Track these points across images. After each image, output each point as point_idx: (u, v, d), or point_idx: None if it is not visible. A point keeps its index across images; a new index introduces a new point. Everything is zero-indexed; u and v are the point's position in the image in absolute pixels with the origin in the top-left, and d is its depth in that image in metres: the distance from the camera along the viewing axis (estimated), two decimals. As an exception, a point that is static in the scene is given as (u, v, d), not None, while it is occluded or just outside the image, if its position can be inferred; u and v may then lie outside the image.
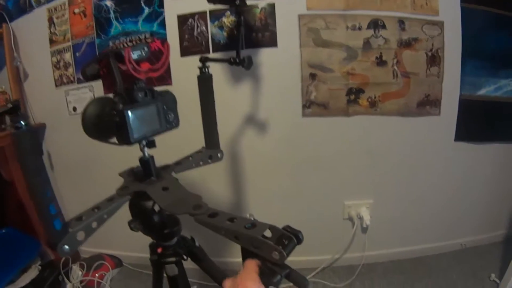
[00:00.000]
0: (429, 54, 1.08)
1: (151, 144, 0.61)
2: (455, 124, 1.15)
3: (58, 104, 1.22)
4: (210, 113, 0.71)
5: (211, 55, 1.04)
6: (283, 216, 1.18)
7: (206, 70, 0.69)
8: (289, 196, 1.16)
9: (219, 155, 0.73)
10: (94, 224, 0.55)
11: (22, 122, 0.45)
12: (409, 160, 1.14)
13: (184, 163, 0.66)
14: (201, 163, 0.70)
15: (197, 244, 0.73)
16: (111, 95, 0.57)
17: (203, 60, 0.69)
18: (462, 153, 1.17)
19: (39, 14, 1.22)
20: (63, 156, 1.29)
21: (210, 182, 1.15)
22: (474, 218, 1.27)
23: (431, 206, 1.21)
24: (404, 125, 1.10)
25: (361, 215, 1.13)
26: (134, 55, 0.55)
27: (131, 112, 0.52)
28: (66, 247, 0.50)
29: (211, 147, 0.72)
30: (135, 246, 1.32)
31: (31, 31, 1.26)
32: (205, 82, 0.69)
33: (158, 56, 1.07)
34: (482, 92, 1.16)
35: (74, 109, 1.21)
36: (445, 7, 1.06)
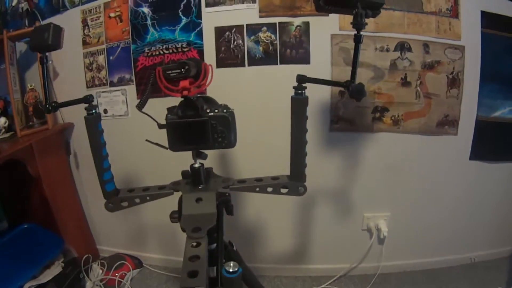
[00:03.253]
0: (450, 76, 1.20)
1: (202, 155, 0.72)
2: (470, 143, 1.27)
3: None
4: (301, 140, 0.68)
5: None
6: (305, 226, 1.30)
7: (303, 92, 0.66)
8: (312, 205, 1.27)
9: (300, 189, 0.70)
10: (137, 200, 0.74)
11: (94, 111, 0.71)
12: (426, 177, 1.27)
13: (248, 184, 0.70)
14: (269, 189, 0.69)
15: (234, 248, 0.84)
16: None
17: (300, 80, 0.66)
18: (476, 171, 1.30)
19: (73, 15, 1.32)
20: (89, 156, 1.38)
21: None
22: (484, 234, 1.39)
23: (444, 220, 1.33)
24: (424, 143, 1.22)
25: (379, 226, 1.25)
26: (173, 73, 0.61)
27: (168, 125, 0.65)
28: (111, 205, 0.74)
29: (294, 179, 0.70)
30: (156, 248, 1.43)
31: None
32: (299, 104, 0.66)
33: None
34: (497, 114, 1.29)
35: (105, 111, 1.31)
36: (467, 32, 1.19)
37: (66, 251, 1.31)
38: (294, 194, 0.70)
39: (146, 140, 0.72)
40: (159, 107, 0.68)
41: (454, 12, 1.18)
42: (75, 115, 1.37)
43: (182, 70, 0.60)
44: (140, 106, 0.67)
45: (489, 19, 1.20)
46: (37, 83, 1.36)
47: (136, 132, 1.25)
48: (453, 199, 1.31)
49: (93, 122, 0.72)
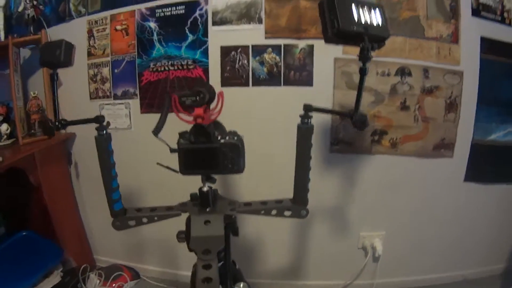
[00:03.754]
0: (448, 101, 1.25)
1: (211, 179, 0.74)
2: (465, 166, 1.31)
3: (91, 116, 1.32)
4: (305, 167, 0.71)
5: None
6: (302, 243, 1.33)
7: (309, 121, 0.68)
8: (310, 223, 1.30)
9: (302, 212, 0.73)
10: (145, 220, 0.75)
11: (105, 132, 0.73)
12: (421, 197, 1.31)
13: (254, 207, 0.73)
14: (273, 212, 0.72)
15: (237, 267, 0.86)
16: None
17: (307, 109, 0.68)
18: (470, 192, 1.34)
19: (79, 25, 1.34)
20: (89, 167, 1.40)
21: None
22: (476, 252, 1.43)
23: (438, 240, 1.38)
24: (420, 165, 1.26)
25: (374, 245, 1.29)
26: (188, 101, 0.62)
27: (180, 150, 0.66)
28: (118, 224, 0.75)
29: (297, 203, 0.73)
30: (153, 260, 1.45)
31: (69, 41, 1.36)
32: (305, 133, 0.68)
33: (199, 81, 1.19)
34: (492, 137, 1.34)
35: (108, 123, 1.32)
36: (466, 57, 1.23)
37: (66, 261, 1.33)
38: (297, 217, 0.74)
39: (157, 163, 0.74)
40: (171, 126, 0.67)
41: (454, 38, 1.23)
42: (77, 126, 1.38)
43: (197, 97, 0.62)
44: (156, 132, 0.68)
45: (488, 45, 1.25)
46: (40, 90, 1.38)
47: (139, 146, 1.28)
48: (446, 219, 1.35)
49: (104, 142, 0.73)
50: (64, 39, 0.77)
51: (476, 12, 1.23)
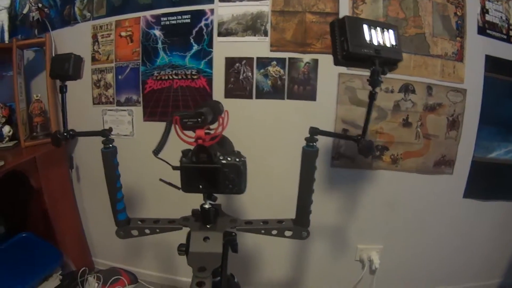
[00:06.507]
0: (450, 119, 1.27)
1: (212, 197, 0.77)
2: (465, 182, 1.34)
3: (93, 121, 1.35)
4: (308, 189, 0.72)
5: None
6: (300, 254, 1.37)
7: (314, 144, 0.69)
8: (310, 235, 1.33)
9: (303, 234, 0.75)
10: (147, 231, 0.79)
11: (111, 145, 0.76)
12: (420, 213, 1.34)
13: (254, 225, 0.75)
14: (274, 232, 0.74)
15: (236, 280, 0.90)
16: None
17: (313, 132, 0.68)
18: (469, 208, 1.37)
19: (83, 29, 1.36)
20: (90, 171, 1.43)
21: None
22: (473, 267, 1.46)
23: (435, 254, 1.41)
24: (420, 181, 1.29)
25: (371, 258, 1.32)
26: (190, 122, 0.63)
27: (182, 168, 0.68)
28: (122, 233, 0.79)
29: (299, 223, 0.75)
30: (151, 264, 1.49)
31: (73, 45, 1.38)
32: (310, 156, 0.69)
33: (201, 92, 1.21)
34: (493, 155, 1.37)
35: (110, 129, 1.35)
36: (470, 75, 1.25)
37: (65, 264, 1.36)
38: (297, 238, 0.76)
39: (160, 179, 0.76)
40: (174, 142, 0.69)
41: (459, 56, 1.25)
42: (79, 130, 1.41)
43: (199, 119, 0.63)
44: (156, 152, 0.70)
45: (492, 63, 1.27)
46: (43, 93, 1.40)
47: (141, 153, 1.29)
48: (444, 234, 1.38)
49: (110, 156, 0.76)
50: (73, 52, 0.80)
51: (482, 30, 1.25)
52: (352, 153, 1.22)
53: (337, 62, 0.67)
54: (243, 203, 1.30)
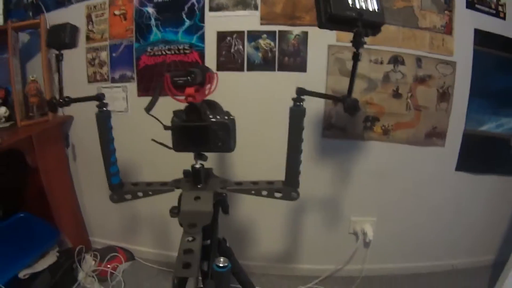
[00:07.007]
0: (440, 90, 1.29)
1: (202, 157, 0.79)
2: (457, 155, 1.36)
3: (89, 98, 1.37)
4: (297, 149, 0.74)
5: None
6: (294, 227, 1.38)
7: (301, 104, 0.70)
8: (302, 208, 1.35)
9: (293, 194, 0.76)
10: (140, 194, 0.81)
11: (105, 109, 0.78)
12: (413, 185, 1.36)
13: (244, 186, 0.76)
14: (264, 193, 0.75)
15: (227, 244, 0.91)
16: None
17: (299, 92, 0.70)
18: (461, 182, 1.39)
19: (77, 10, 1.38)
20: (86, 149, 1.45)
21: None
22: (466, 242, 1.48)
23: (429, 228, 1.43)
24: (411, 153, 1.31)
25: (365, 230, 1.34)
26: (180, 80, 0.65)
27: (173, 127, 0.70)
28: (115, 197, 0.81)
29: (288, 184, 0.76)
30: (147, 241, 1.50)
31: (68, 25, 1.41)
32: (298, 115, 0.71)
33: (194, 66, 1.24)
34: (484, 128, 1.39)
35: (103, 94, 1.37)
36: (460, 48, 1.27)
37: (62, 241, 1.38)
38: (287, 199, 0.77)
39: (152, 139, 0.78)
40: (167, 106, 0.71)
41: (448, 29, 1.27)
42: (75, 108, 1.42)
43: (189, 78, 0.65)
44: (148, 109, 0.72)
45: (481, 37, 1.29)
46: (39, 74, 1.42)
47: (135, 128, 1.32)
48: (437, 207, 1.40)
49: (104, 119, 0.79)
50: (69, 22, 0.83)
51: (471, 4, 1.27)
52: (343, 123, 1.25)
53: (321, 25, 0.70)
54: (235, 173, 1.32)
